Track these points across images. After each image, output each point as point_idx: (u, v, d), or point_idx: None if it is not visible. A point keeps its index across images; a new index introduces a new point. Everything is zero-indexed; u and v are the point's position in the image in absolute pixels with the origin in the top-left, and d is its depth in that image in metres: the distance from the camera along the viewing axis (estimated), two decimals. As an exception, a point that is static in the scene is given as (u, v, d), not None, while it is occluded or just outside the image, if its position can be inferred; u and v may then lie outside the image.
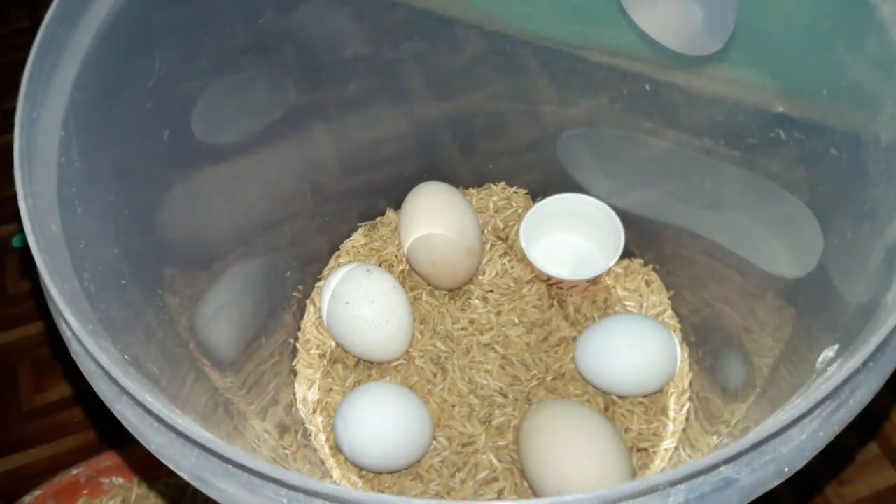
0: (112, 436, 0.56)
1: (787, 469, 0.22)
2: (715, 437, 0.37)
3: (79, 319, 0.23)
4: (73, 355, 0.25)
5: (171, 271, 0.36)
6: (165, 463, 0.23)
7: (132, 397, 0.22)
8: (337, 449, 0.49)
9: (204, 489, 0.22)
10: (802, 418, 0.21)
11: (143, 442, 0.23)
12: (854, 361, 0.21)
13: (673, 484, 0.20)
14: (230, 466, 0.22)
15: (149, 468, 0.51)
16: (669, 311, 0.55)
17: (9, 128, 0.73)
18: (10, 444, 0.57)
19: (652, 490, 0.20)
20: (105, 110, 0.31)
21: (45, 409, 0.58)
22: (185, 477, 0.22)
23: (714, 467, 0.21)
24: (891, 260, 0.26)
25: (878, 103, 0.30)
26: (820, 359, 0.27)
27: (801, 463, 0.22)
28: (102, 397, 0.24)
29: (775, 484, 0.22)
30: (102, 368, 0.22)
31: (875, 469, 0.53)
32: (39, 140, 0.27)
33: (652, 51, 0.45)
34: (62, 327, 0.25)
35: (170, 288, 0.35)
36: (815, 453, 0.22)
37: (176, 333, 0.34)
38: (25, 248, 0.64)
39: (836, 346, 0.26)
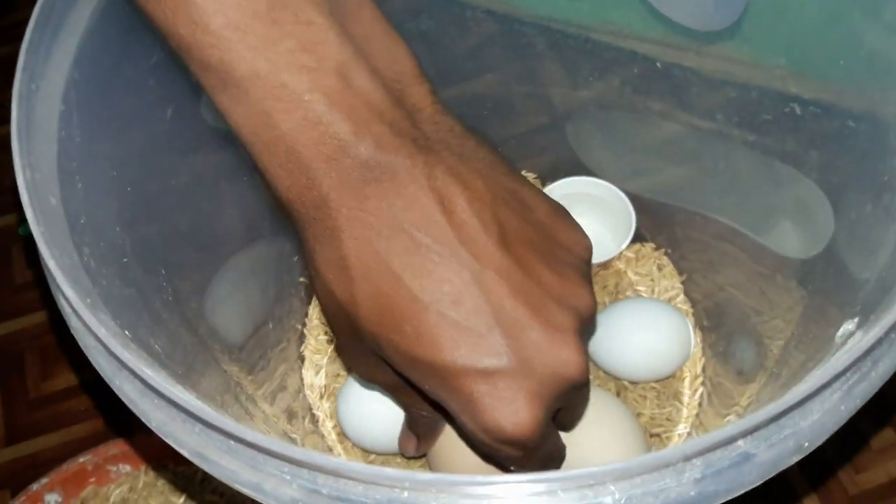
0: (119, 424, 0.56)
1: (806, 444, 0.21)
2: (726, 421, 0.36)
3: (77, 292, 0.22)
4: (72, 331, 0.24)
5: (175, 252, 0.36)
6: (166, 440, 0.22)
7: (132, 372, 0.22)
8: (344, 435, 0.48)
9: (205, 467, 0.22)
10: (822, 390, 0.21)
11: (143, 419, 0.23)
12: (876, 331, 0.21)
13: (688, 458, 0.20)
14: (232, 442, 0.21)
15: (157, 456, 0.50)
16: (682, 296, 0.54)
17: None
18: (17, 432, 0.57)
19: (667, 464, 0.19)
20: (106, 85, 0.31)
21: (53, 398, 0.58)
22: (186, 454, 0.22)
23: (731, 440, 0.20)
24: (913, 230, 0.25)
25: (898, 71, 0.29)
26: (839, 332, 0.26)
27: (821, 438, 0.21)
28: (101, 373, 0.23)
29: (794, 460, 0.21)
30: (101, 342, 0.22)
31: (891, 456, 0.52)
32: (38, 113, 0.26)
33: (663, 28, 0.44)
34: (61, 302, 0.24)
35: (173, 269, 0.35)
36: (837, 428, 0.21)
37: (182, 315, 0.33)
38: (32, 237, 0.64)
39: (857, 319, 0.25)
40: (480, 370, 0.25)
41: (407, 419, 0.40)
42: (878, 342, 0.21)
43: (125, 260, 0.29)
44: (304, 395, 0.51)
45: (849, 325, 0.26)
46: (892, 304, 0.22)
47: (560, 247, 0.28)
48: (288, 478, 0.21)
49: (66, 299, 0.22)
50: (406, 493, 0.20)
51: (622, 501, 0.20)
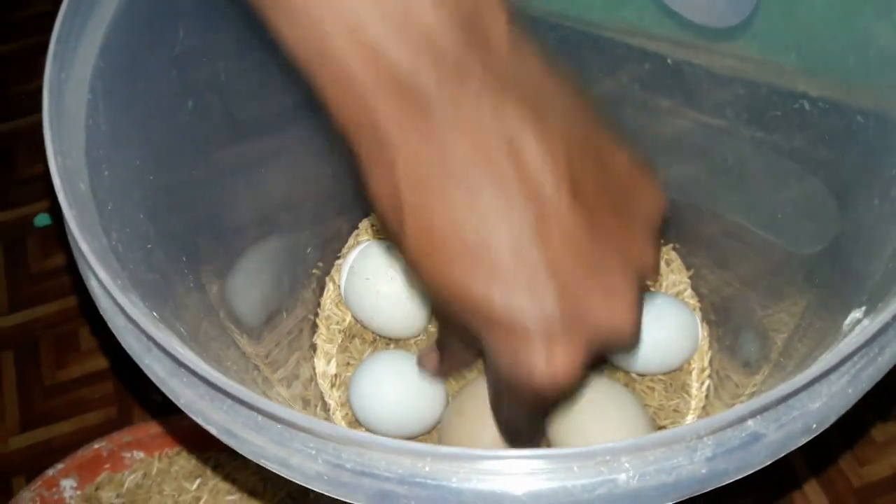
0: (132, 412, 0.57)
1: (815, 426, 0.22)
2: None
3: (108, 274, 0.23)
4: (101, 312, 0.25)
5: (195, 240, 0.37)
6: (194, 418, 0.23)
7: (163, 350, 0.23)
8: (356, 423, 0.49)
9: (233, 443, 0.22)
10: (830, 373, 0.21)
11: (171, 397, 0.23)
12: (883, 317, 0.21)
13: (700, 436, 0.20)
14: (260, 418, 0.22)
15: (170, 443, 0.51)
16: (689, 291, 0.55)
17: (29, 110, 0.74)
18: (32, 419, 0.58)
19: (680, 440, 0.20)
20: (130, 76, 0.31)
21: (67, 386, 0.59)
22: (214, 431, 0.23)
23: (741, 420, 0.21)
24: (920, 221, 0.26)
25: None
26: (847, 321, 0.27)
27: (829, 420, 0.22)
28: (131, 352, 0.24)
29: (803, 441, 0.22)
30: (133, 322, 0.23)
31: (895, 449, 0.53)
32: (67, 101, 0.27)
33: (673, 25, 0.45)
34: (91, 283, 0.25)
35: (194, 256, 0.35)
36: (844, 410, 0.22)
37: (204, 300, 0.34)
38: (47, 228, 0.65)
39: (864, 308, 0.26)
40: (525, 316, 0.24)
41: (438, 337, 0.39)
42: (885, 328, 0.22)
43: (149, 246, 0.30)
44: (317, 384, 0.52)
45: (856, 314, 0.26)
46: (898, 292, 0.22)
47: (634, 202, 0.27)
48: (313, 452, 0.21)
49: (99, 280, 0.23)
50: (427, 467, 0.21)
51: (635, 478, 0.21)
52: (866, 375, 0.22)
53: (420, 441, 0.49)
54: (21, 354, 0.60)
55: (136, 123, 0.32)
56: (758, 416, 0.21)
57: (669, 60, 0.48)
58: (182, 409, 0.23)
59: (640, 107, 0.55)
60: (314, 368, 0.52)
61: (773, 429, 0.21)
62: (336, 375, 0.52)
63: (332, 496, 0.22)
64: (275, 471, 0.22)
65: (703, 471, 0.21)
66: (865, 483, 0.51)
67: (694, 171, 0.55)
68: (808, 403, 0.21)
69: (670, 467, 0.21)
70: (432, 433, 0.49)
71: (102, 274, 0.23)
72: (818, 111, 0.36)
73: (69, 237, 0.25)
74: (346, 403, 0.50)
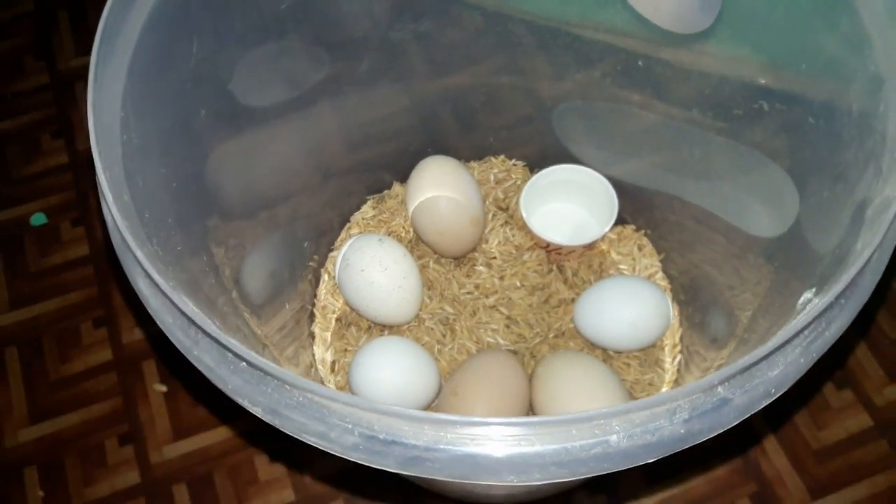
0: (138, 402, 0.60)
1: (773, 390, 0.26)
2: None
3: (161, 276, 0.26)
4: (150, 311, 0.28)
5: (213, 241, 0.39)
6: (240, 402, 0.26)
7: (214, 340, 0.26)
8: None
9: (276, 422, 0.26)
10: (785, 345, 0.25)
11: (219, 385, 0.26)
12: (828, 297, 0.25)
13: (677, 400, 0.24)
14: (301, 397, 0.25)
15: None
16: (660, 273, 0.59)
17: (20, 110, 0.76)
18: (41, 412, 0.60)
19: (661, 404, 0.24)
20: (154, 91, 0.34)
21: (73, 379, 0.61)
22: (259, 412, 0.26)
23: (712, 387, 0.24)
24: (860, 215, 0.30)
25: (850, 77, 0.33)
26: (800, 301, 0.31)
27: (785, 385, 0.26)
28: (180, 346, 0.27)
29: (764, 404, 0.26)
30: (186, 317, 0.26)
31: (850, 414, 0.57)
32: (105, 119, 0.30)
33: (644, 29, 0.48)
34: (139, 286, 0.28)
35: (212, 256, 0.38)
36: (798, 377, 0.26)
37: (226, 297, 0.37)
38: (43, 227, 0.67)
39: (815, 289, 0.30)
40: None
41: None
42: (831, 306, 0.26)
43: (179, 248, 0.33)
44: (316, 370, 0.55)
45: (808, 294, 0.30)
46: (841, 276, 0.26)
47: None
48: (350, 426, 0.25)
49: (154, 282, 0.26)
50: (449, 434, 0.25)
51: (625, 439, 0.25)
52: (815, 347, 0.26)
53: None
54: (25, 350, 0.62)
55: (160, 134, 0.35)
56: (726, 384, 0.25)
57: (639, 59, 0.52)
58: (229, 394, 0.26)
59: (612, 101, 0.59)
60: (313, 355, 0.56)
61: (739, 394, 0.25)
62: (335, 362, 0.55)
63: (368, 464, 0.25)
64: (315, 444, 0.25)
65: (682, 431, 0.25)
66: (822, 445, 0.56)
67: (663, 161, 0.58)
68: (768, 372, 0.25)
69: (654, 428, 0.25)
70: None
71: (157, 277, 0.26)
72: (775, 112, 0.40)
73: (116, 245, 0.28)
74: (346, 388, 0.54)
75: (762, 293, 0.40)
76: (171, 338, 0.27)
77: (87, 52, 0.74)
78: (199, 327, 0.25)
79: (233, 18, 0.41)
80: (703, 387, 0.24)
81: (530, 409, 0.51)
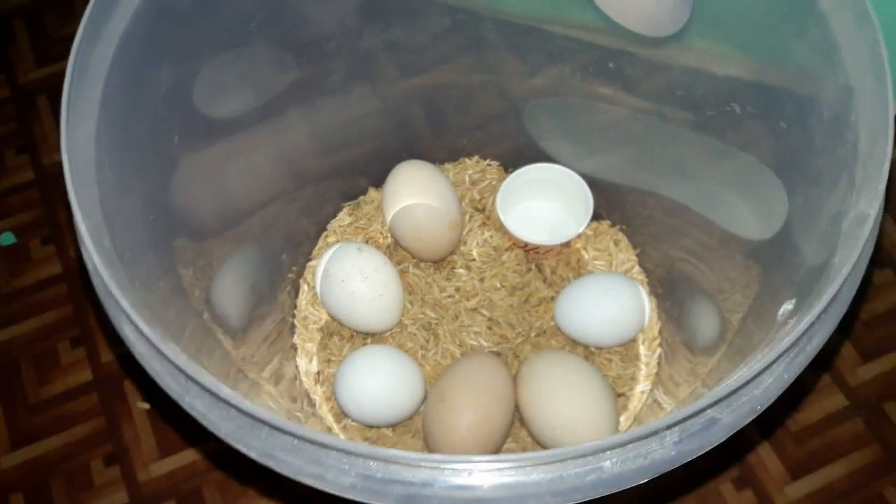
0: (121, 421, 0.59)
1: (759, 407, 0.26)
2: (687, 386, 0.42)
3: (147, 324, 0.26)
4: (137, 358, 0.28)
5: (189, 265, 0.39)
6: (236, 446, 0.26)
7: (204, 388, 0.26)
8: (341, 415, 0.53)
9: (272, 464, 0.26)
10: (770, 366, 0.26)
11: (212, 429, 0.26)
12: (810, 317, 0.26)
13: (669, 427, 0.25)
14: (295, 441, 0.25)
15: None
16: (637, 267, 0.59)
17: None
18: (22, 436, 0.59)
19: (653, 433, 0.24)
20: (127, 124, 0.34)
21: (52, 401, 0.60)
22: (255, 456, 0.26)
23: (702, 411, 0.25)
24: (836, 224, 0.30)
25: (821, 85, 0.34)
26: (780, 311, 0.31)
27: (770, 401, 0.27)
28: (170, 392, 0.27)
29: (750, 420, 0.27)
30: (174, 365, 0.26)
31: (826, 395, 0.59)
32: (81, 162, 0.29)
33: (613, 31, 0.48)
34: (125, 333, 0.27)
35: (190, 280, 0.38)
36: (782, 391, 0.27)
37: (192, 308, 0.36)
38: (12, 246, 0.65)
39: (794, 300, 0.31)
40: None
41: None
42: (812, 324, 0.26)
43: (161, 284, 0.32)
44: (300, 382, 0.55)
45: (788, 305, 0.31)
46: (821, 292, 0.27)
47: None
48: (346, 466, 0.25)
49: (140, 332, 0.26)
50: (444, 474, 0.25)
51: (618, 464, 0.25)
52: (798, 362, 0.27)
53: (403, 426, 0.53)
54: (2, 374, 0.61)
55: (134, 168, 0.34)
56: (714, 406, 0.25)
57: (611, 63, 0.52)
58: (223, 439, 0.26)
59: (581, 96, 0.59)
60: (297, 367, 0.56)
61: (727, 413, 0.26)
62: (319, 372, 0.55)
63: (366, 501, 0.25)
64: (312, 485, 0.25)
65: (673, 453, 0.25)
66: (801, 427, 0.58)
67: (634, 155, 0.59)
68: (753, 390, 0.26)
69: (645, 452, 0.26)
70: (414, 418, 0.53)
71: (143, 326, 0.26)
72: (746, 115, 0.40)
73: (99, 293, 0.27)
74: (332, 398, 0.54)
75: (752, 295, 0.41)
76: (160, 384, 0.27)
77: (48, 63, 0.74)
78: (189, 377, 0.25)
79: (202, 38, 0.40)
80: (693, 411, 0.25)
81: (517, 410, 0.51)
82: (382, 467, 0.25)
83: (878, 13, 0.31)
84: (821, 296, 0.26)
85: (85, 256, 0.28)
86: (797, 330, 0.26)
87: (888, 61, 0.30)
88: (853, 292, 0.28)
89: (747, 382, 0.25)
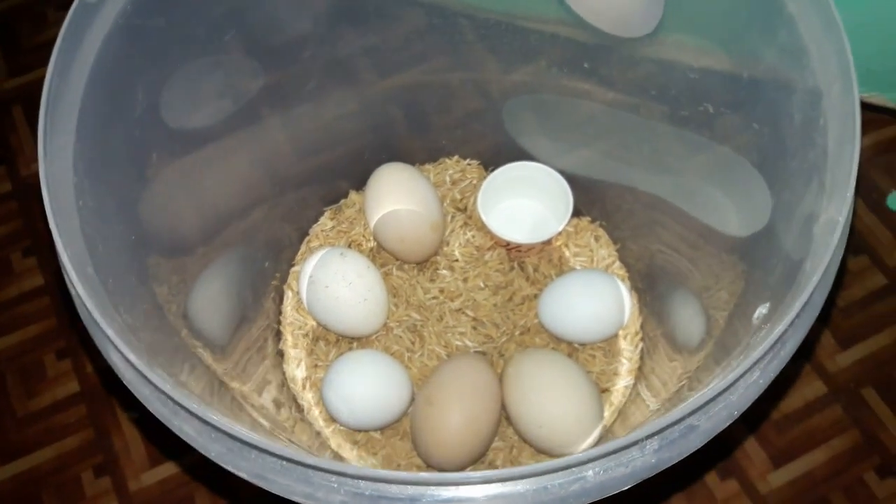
0: (111, 431, 0.59)
1: (736, 412, 0.27)
2: (672, 383, 0.43)
3: (133, 350, 0.26)
4: (125, 384, 0.28)
5: (171, 285, 0.39)
6: (225, 466, 0.26)
7: (191, 413, 0.26)
8: (330, 420, 0.53)
9: (263, 484, 0.26)
10: (746, 373, 0.27)
11: (202, 451, 0.27)
12: (782, 325, 0.27)
13: (649, 437, 0.25)
14: (284, 462, 0.26)
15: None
16: (618, 262, 0.60)
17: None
18: (11, 450, 0.59)
19: (633, 443, 0.25)
20: (104, 147, 0.34)
21: (41, 414, 0.60)
22: (245, 476, 0.26)
23: (681, 420, 0.26)
24: (807, 228, 0.31)
25: (791, 88, 0.34)
26: (755, 315, 0.32)
27: (747, 405, 0.27)
28: (159, 416, 0.27)
29: (727, 425, 0.27)
30: (160, 391, 0.26)
31: (806, 383, 0.60)
32: (60, 191, 0.29)
33: (586, 31, 0.49)
34: (112, 360, 0.28)
35: (172, 299, 0.38)
36: (758, 396, 0.28)
37: (174, 324, 0.37)
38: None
39: (769, 304, 0.31)
40: None
41: None
42: (786, 331, 0.27)
43: (145, 307, 0.33)
44: (288, 388, 0.56)
45: (762, 309, 0.32)
46: (794, 299, 0.28)
47: None
48: (335, 485, 0.25)
49: (126, 358, 0.26)
50: (432, 489, 0.25)
51: (601, 472, 0.26)
52: (772, 367, 0.27)
53: (391, 428, 0.53)
54: (-11, 388, 0.61)
55: (114, 190, 0.34)
56: (693, 414, 0.26)
57: (586, 63, 0.52)
58: (213, 461, 0.27)
59: (558, 92, 0.59)
60: (284, 373, 0.56)
61: (704, 420, 0.27)
62: (306, 378, 0.56)
63: (356, 519, 0.26)
64: (303, 503, 0.26)
65: (653, 460, 0.26)
66: (782, 414, 0.59)
67: (611, 150, 0.59)
68: (729, 396, 0.27)
69: (627, 461, 0.26)
70: (402, 420, 0.53)
71: (131, 355, 0.26)
72: (719, 115, 0.41)
73: (85, 321, 0.28)
74: (319, 403, 0.54)
75: (737, 293, 0.41)
76: (149, 409, 0.27)
77: (21, 73, 0.73)
78: (177, 403, 0.26)
79: (175, 55, 0.40)
80: (672, 420, 0.25)
81: (503, 409, 0.52)
82: (371, 485, 0.25)
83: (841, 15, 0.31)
84: (793, 303, 0.27)
85: (69, 285, 0.28)
86: (770, 337, 0.26)
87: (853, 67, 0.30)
88: (825, 296, 0.28)
89: (724, 390, 0.26)
